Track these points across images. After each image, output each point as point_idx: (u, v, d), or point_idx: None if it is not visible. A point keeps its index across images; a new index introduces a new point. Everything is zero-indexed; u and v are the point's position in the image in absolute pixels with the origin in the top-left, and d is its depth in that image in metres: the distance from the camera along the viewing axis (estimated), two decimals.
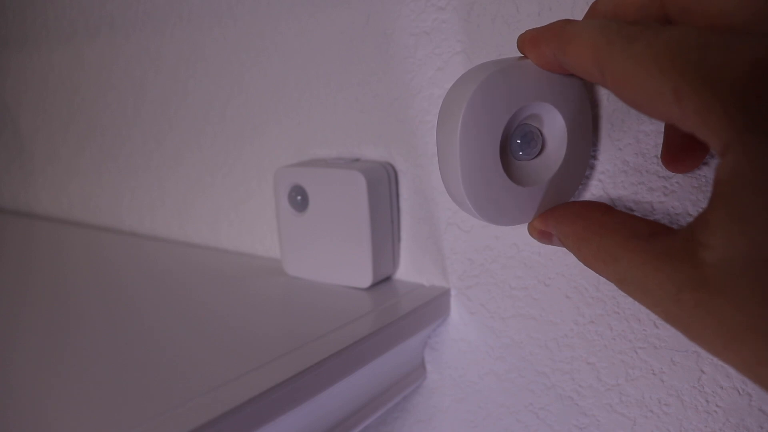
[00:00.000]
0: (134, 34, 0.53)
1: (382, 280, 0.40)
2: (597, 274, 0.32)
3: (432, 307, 0.37)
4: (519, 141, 0.27)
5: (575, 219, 0.25)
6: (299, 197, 0.40)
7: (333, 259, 0.39)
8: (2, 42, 0.68)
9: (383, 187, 0.38)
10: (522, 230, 0.34)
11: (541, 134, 0.28)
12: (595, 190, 0.32)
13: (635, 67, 0.18)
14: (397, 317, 0.34)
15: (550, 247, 0.34)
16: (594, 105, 0.30)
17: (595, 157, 0.31)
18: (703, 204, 0.29)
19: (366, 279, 0.38)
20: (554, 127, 0.27)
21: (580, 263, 0.33)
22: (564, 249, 0.33)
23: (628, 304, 0.32)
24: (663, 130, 0.27)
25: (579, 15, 0.30)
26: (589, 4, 0.30)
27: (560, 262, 0.33)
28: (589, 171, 0.31)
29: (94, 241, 0.58)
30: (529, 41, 0.25)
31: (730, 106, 0.16)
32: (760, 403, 0.29)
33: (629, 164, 0.30)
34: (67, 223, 0.66)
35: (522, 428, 0.37)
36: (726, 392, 0.30)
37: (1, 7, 0.66)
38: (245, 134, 0.47)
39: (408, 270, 0.40)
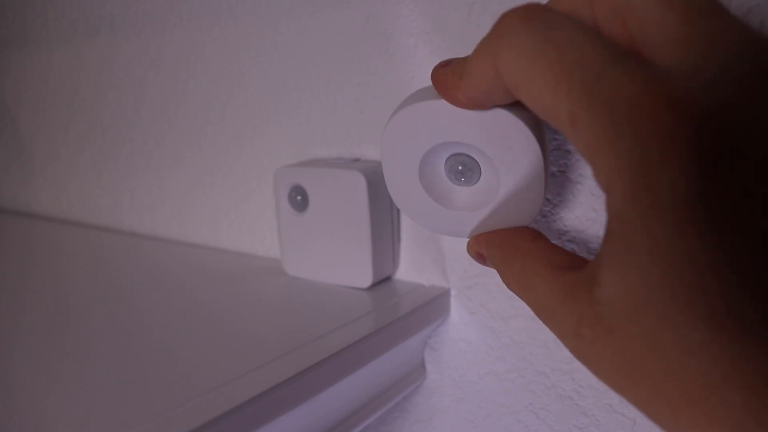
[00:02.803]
0: (134, 34, 0.53)
1: (382, 280, 0.40)
2: None
3: (432, 307, 0.37)
4: (453, 169, 0.28)
5: (503, 242, 0.25)
6: (299, 197, 0.40)
7: (333, 259, 0.39)
8: (2, 42, 0.68)
9: (383, 187, 0.38)
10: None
11: (478, 163, 0.28)
12: (595, 190, 0.32)
13: (530, 76, 0.18)
14: (397, 317, 0.34)
15: None
16: None
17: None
18: None
19: (366, 279, 0.38)
20: (484, 159, 0.27)
21: None
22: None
23: None
24: None
25: None
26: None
27: None
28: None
29: (94, 241, 0.58)
30: (437, 84, 0.24)
31: (616, 146, 0.16)
32: None
33: None
34: (67, 223, 0.66)
35: (522, 428, 0.37)
36: None
37: (1, 7, 0.66)
38: (245, 134, 0.47)
39: (408, 270, 0.40)
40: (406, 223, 0.39)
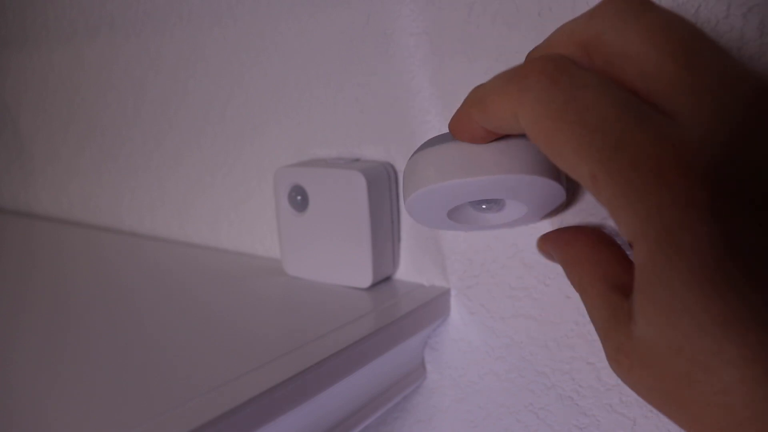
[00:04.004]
0: (134, 34, 0.53)
1: (382, 280, 0.40)
2: None
3: (432, 307, 0.37)
4: (477, 205, 0.30)
5: (565, 244, 0.26)
6: (299, 197, 0.40)
7: (333, 259, 0.39)
8: (2, 42, 0.68)
9: (383, 187, 0.38)
10: (522, 230, 0.34)
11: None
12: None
13: (552, 134, 0.18)
14: (397, 317, 0.34)
15: None
16: None
17: None
18: None
19: (366, 279, 0.38)
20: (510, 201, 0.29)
21: None
22: None
23: None
24: None
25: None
26: (589, 4, 0.30)
27: None
28: None
29: (94, 241, 0.58)
30: (455, 125, 0.24)
31: (638, 209, 0.17)
32: None
33: None
34: (67, 223, 0.66)
35: (522, 428, 0.37)
36: None
37: (1, 7, 0.66)
38: (245, 134, 0.47)
39: (408, 270, 0.40)
40: (406, 223, 0.39)
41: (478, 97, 0.22)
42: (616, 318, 0.20)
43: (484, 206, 0.30)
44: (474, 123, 0.23)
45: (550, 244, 0.27)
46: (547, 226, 0.33)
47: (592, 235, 0.25)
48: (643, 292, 0.17)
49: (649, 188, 0.16)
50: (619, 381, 0.32)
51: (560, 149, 0.18)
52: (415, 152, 0.27)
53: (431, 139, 0.27)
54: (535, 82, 0.19)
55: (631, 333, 0.18)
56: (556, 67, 0.19)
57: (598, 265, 0.23)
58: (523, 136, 0.26)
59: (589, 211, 0.32)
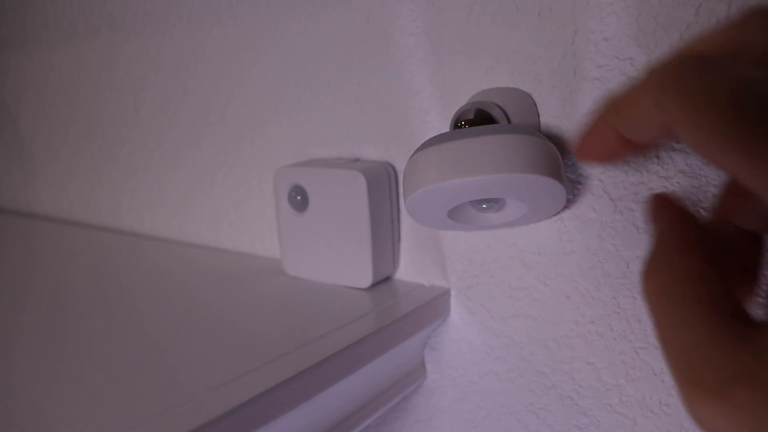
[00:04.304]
0: (134, 34, 0.53)
1: (382, 280, 0.40)
2: (597, 275, 0.32)
3: (432, 307, 0.37)
4: (477, 204, 0.30)
5: (668, 225, 0.21)
6: (299, 197, 0.40)
7: (333, 259, 0.39)
8: (2, 42, 0.68)
9: (383, 187, 0.38)
10: (522, 230, 0.34)
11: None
12: (595, 190, 0.31)
13: (703, 112, 0.17)
14: (397, 317, 0.34)
15: (551, 247, 0.34)
16: None
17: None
18: (705, 203, 0.29)
19: (366, 279, 0.38)
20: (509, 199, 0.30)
21: (581, 264, 0.33)
22: (564, 250, 0.33)
23: (628, 304, 0.32)
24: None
25: (579, 16, 0.30)
26: (590, 4, 0.30)
27: (560, 263, 0.33)
28: (590, 171, 0.31)
29: (94, 241, 0.58)
30: (589, 136, 0.23)
31: None
32: None
33: (629, 164, 0.30)
34: (67, 223, 0.66)
35: (522, 428, 0.37)
36: None
37: (1, 7, 0.66)
38: (245, 134, 0.47)
39: (408, 270, 0.40)
40: (406, 223, 0.39)
41: (612, 106, 0.21)
42: (740, 344, 0.16)
43: (484, 206, 0.30)
44: (610, 135, 0.21)
45: (654, 209, 0.22)
46: (547, 226, 0.33)
47: (700, 233, 0.20)
48: None
49: None
50: (620, 381, 0.32)
51: (712, 125, 0.16)
52: (415, 152, 0.27)
53: (431, 138, 0.27)
54: (675, 69, 0.18)
55: (762, 350, 0.15)
56: (692, 55, 0.18)
57: (708, 277, 0.18)
58: (524, 134, 0.26)
59: (587, 215, 0.32)
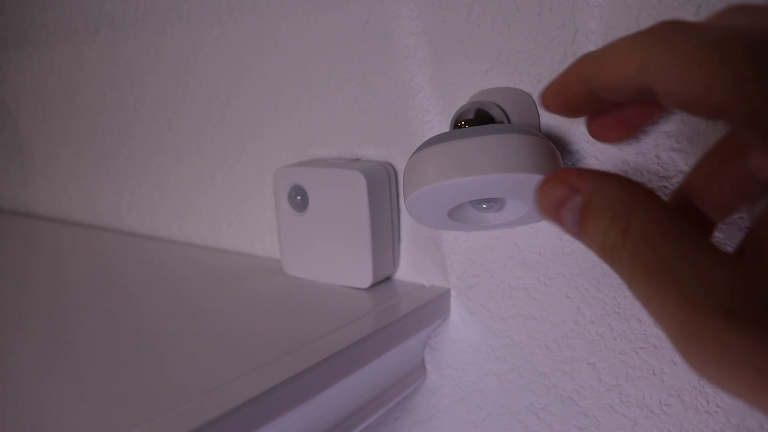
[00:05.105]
0: (134, 34, 0.53)
1: (382, 280, 0.40)
2: (597, 275, 0.32)
3: (432, 307, 0.37)
4: (477, 204, 0.30)
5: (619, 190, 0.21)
6: (299, 197, 0.40)
7: (333, 259, 0.39)
8: (2, 42, 0.68)
9: (383, 187, 0.38)
10: (522, 230, 0.34)
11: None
12: None
13: (688, 57, 0.17)
14: (397, 317, 0.34)
15: (551, 247, 0.34)
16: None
17: (596, 158, 0.31)
18: None
19: (366, 279, 0.38)
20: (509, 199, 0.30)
21: (581, 264, 0.33)
22: (564, 250, 0.33)
23: (628, 304, 0.32)
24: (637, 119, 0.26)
25: (579, 15, 0.30)
26: (589, 3, 0.30)
27: (560, 263, 0.33)
28: None
29: (94, 241, 0.58)
30: (557, 86, 0.23)
31: None
32: None
33: (629, 164, 0.30)
34: (67, 223, 0.66)
35: (522, 428, 0.37)
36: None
37: (1, 7, 0.66)
38: (245, 134, 0.47)
39: (408, 270, 0.40)
40: (406, 223, 0.39)
41: (591, 59, 0.21)
42: (712, 257, 0.17)
43: (484, 206, 0.30)
44: (579, 86, 0.22)
45: (579, 177, 0.22)
46: (547, 226, 0.33)
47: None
48: None
49: None
50: (620, 381, 0.32)
51: (693, 71, 0.17)
52: (415, 152, 0.27)
53: (431, 138, 0.27)
54: (661, 29, 0.18)
55: (745, 272, 0.16)
56: (670, 21, 0.19)
57: (678, 216, 0.19)
58: (524, 134, 0.26)
59: None
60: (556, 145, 0.29)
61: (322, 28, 0.40)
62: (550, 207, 0.22)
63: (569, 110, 0.23)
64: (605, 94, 0.21)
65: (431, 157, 0.26)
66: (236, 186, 0.49)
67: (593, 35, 0.30)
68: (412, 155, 0.27)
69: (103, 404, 0.27)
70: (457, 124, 0.31)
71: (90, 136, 0.61)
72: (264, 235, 0.48)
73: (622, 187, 0.20)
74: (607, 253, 0.19)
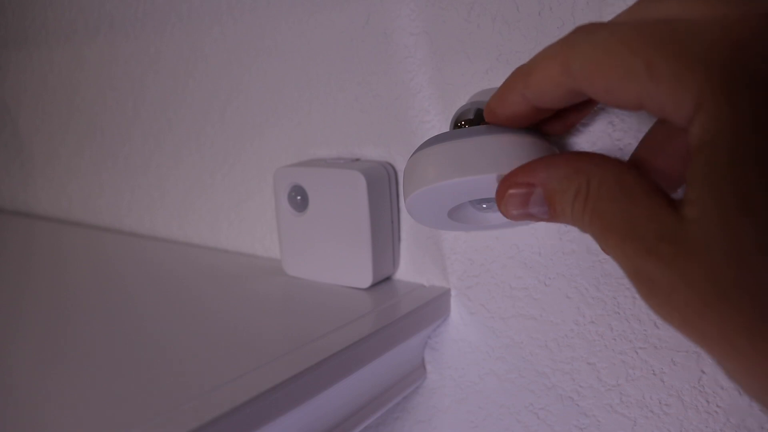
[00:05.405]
0: (134, 34, 0.53)
1: (382, 280, 0.40)
2: (597, 275, 0.32)
3: (432, 307, 0.37)
4: (477, 204, 0.30)
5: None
6: (299, 197, 0.40)
7: (333, 259, 0.39)
8: (2, 42, 0.68)
9: (383, 187, 0.38)
10: (522, 230, 0.34)
11: None
12: None
13: (604, 53, 0.19)
14: (397, 317, 0.34)
15: (551, 247, 0.34)
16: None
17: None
18: None
19: (366, 279, 0.38)
20: None
21: (581, 264, 0.33)
22: (564, 250, 0.33)
23: (628, 304, 0.32)
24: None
25: (579, 15, 0.30)
26: (589, 4, 0.30)
27: (560, 262, 0.33)
28: None
29: (94, 242, 0.58)
30: (496, 101, 0.25)
31: (702, 67, 0.17)
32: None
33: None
34: (67, 223, 0.66)
35: (522, 429, 0.37)
36: (727, 393, 0.30)
37: (1, 7, 0.66)
38: (245, 134, 0.47)
39: (408, 270, 0.40)
40: (406, 223, 0.39)
41: (521, 71, 0.22)
42: (658, 203, 0.18)
43: (484, 206, 0.30)
44: (516, 97, 0.23)
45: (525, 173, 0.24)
46: (547, 226, 0.33)
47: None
48: (707, 161, 0.16)
49: (717, 53, 0.17)
50: (620, 381, 0.32)
51: (610, 62, 0.19)
52: (415, 152, 0.27)
53: (431, 138, 0.27)
54: (578, 33, 0.20)
55: (681, 216, 0.17)
56: (586, 24, 0.20)
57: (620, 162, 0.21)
58: (524, 133, 0.26)
59: None
60: (555, 146, 0.29)
61: (322, 28, 0.40)
62: (519, 211, 0.24)
63: (511, 121, 0.25)
64: (540, 100, 0.22)
65: (431, 157, 0.26)
66: (236, 186, 0.49)
67: None
68: (411, 155, 0.27)
69: (103, 404, 0.27)
70: (457, 124, 0.31)
71: (90, 136, 0.61)
72: (264, 235, 0.48)
73: (571, 161, 0.22)
74: (579, 222, 0.21)
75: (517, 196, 0.23)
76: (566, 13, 0.30)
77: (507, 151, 0.25)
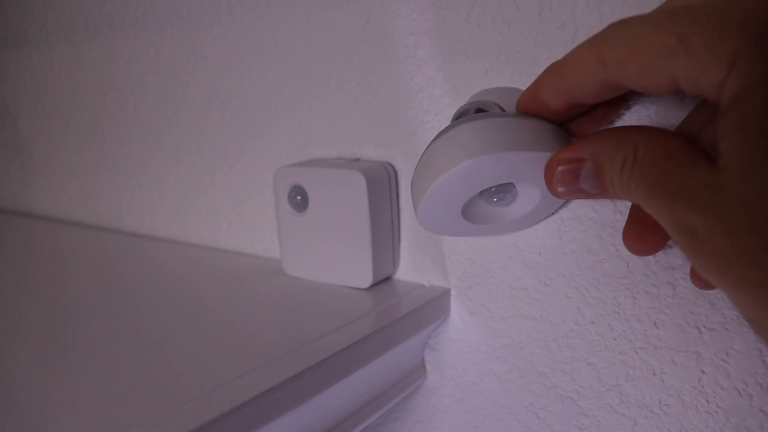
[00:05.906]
0: (134, 34, 0.53)
1: (382, 280, 0.40)
2: (597, 275, 0.32)
3: (432, 307, 0.37)
4: (488, 197, 0.30)
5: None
6: (299, 197, 0.40)
7: (333, 259, 0.39)
8: (2, 42, 0.68)
9: (383, 187, 0.38)
10: (522, 230, 0.34)
11: (515, 187, 0.29)
12: None
13: (637, 37, 0.20)
14: (397, 317, 0.34)
15: (551, 247, 0.34)
16: None
17: None
18: None
19: (366, 279, 0.38)
20: (525, 188, 0.29)
21: (581, 264, 0.33)
22: (564, 250, 0.33)
23: (628, 304, 0.32)
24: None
25: (579, 15, 0.30)
26: (589, 3, 0.30)
27: (560, 262, 0.33)
28: None
29: (94, 242, 0.58)
30: (528, 96, 0.25)
31: (735, 34, 0.17)
32: (760, 403, 0.29)
33: None
34: (67, 223, 0.66)
35: (522, 429, 0.37)
36: (727, 393, 0.30)
37: (1, 7, 0.66)
38: (245, 134, 0.47)
39: (408, 270, 0.40)
40: (406, 223, 0.39)
41: (556, 65, 0.23)
42: (693, 158, 0.19)
43: (494, 199, 0.29)
44: (549, 92, 0.24)
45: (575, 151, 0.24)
46: (547, 226, 0.33)
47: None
48: (742, 113, 0.17)
49: (752, 18, 0.17)
50: (620, 381, 0.32)
51: (642, 45, 0.19)
52: (420, 159, 0.27)
53: (432, 140, 0.27)
54: (610, 27, 0.21)
55: (716, 167, 0.18)
56: (621, 19, 0.21)
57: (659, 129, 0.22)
58: (533, 119, 0.26)
59: (587, 215, 0.32)
60: None
61: (322, 28, 0.40)
62: (569, 188, 0.24)
63: (544, 112, 0.25)
64: (574, 94, 0.23)
65: (467, 135, 0.26)
66: (236, 186, 0.49)
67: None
68: (427, 147, 0.27)
69: (103, 404, 0.27)
70: None
71: (90, 136, 0.61)
72: (264, 235, 0.48)
73: (619, 132, 0.22)
74: (625, 189, 0.21)
75: (568, 172, 0.23)
76: (566, 13, 0.30)
77: (550, 130, 0.25)
